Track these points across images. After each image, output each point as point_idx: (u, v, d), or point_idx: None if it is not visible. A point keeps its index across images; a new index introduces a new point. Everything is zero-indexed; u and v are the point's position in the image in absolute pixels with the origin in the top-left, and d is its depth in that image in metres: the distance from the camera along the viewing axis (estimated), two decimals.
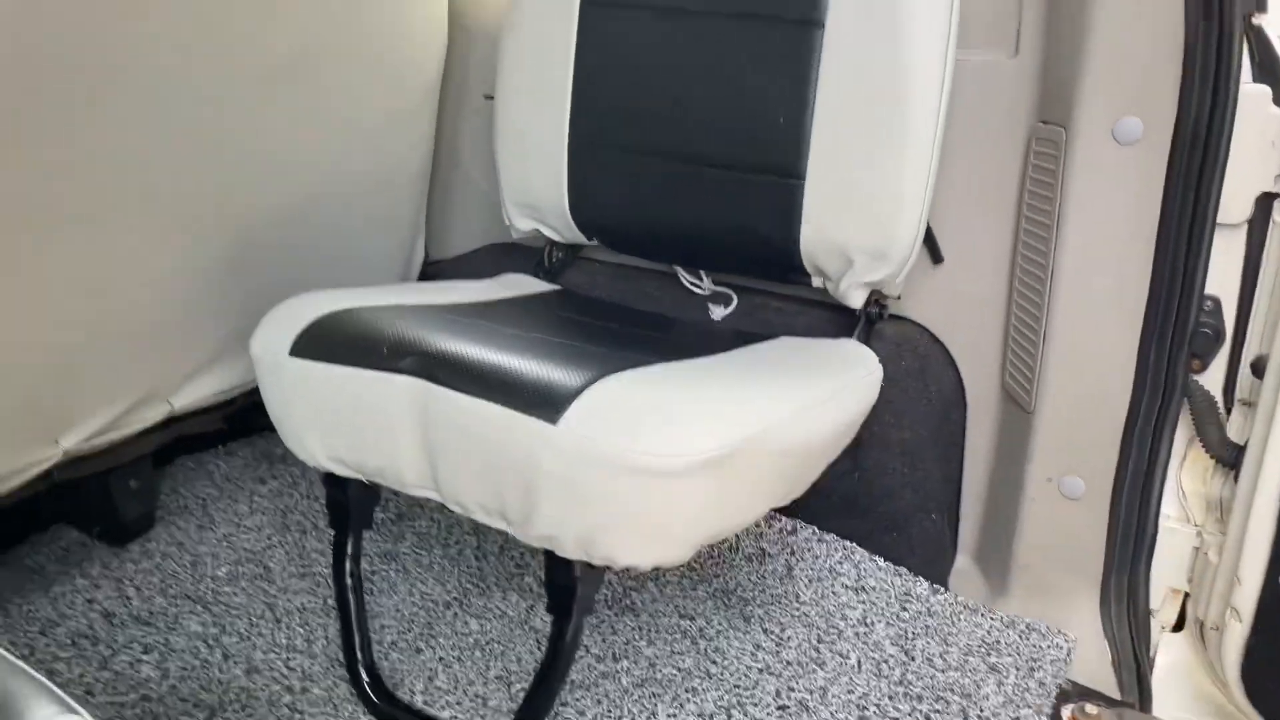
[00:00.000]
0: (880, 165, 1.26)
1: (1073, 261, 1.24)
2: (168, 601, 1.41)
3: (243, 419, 1.75)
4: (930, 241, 1.42)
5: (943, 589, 1.45)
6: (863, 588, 1.44)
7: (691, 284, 1.59)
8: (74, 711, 0.60)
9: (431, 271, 1.88)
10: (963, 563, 1.52)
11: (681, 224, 1.45)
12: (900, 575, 1.47)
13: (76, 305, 1.29)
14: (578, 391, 0.99)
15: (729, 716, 1.22)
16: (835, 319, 1.47)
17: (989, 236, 1.39)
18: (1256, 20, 1.13)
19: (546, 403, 0.98)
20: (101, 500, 1.53)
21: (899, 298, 1.44)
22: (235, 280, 1.49)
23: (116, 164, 1.25)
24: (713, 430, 0.97)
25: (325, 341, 1.14)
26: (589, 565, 1.05)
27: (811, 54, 1.29)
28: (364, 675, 1.25)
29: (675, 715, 1.23)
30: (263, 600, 1.42)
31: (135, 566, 1.49)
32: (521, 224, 1.58)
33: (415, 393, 1.06)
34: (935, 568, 1.50)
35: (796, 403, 1.09)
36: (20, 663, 0.63)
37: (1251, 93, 1.13)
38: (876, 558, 1.49)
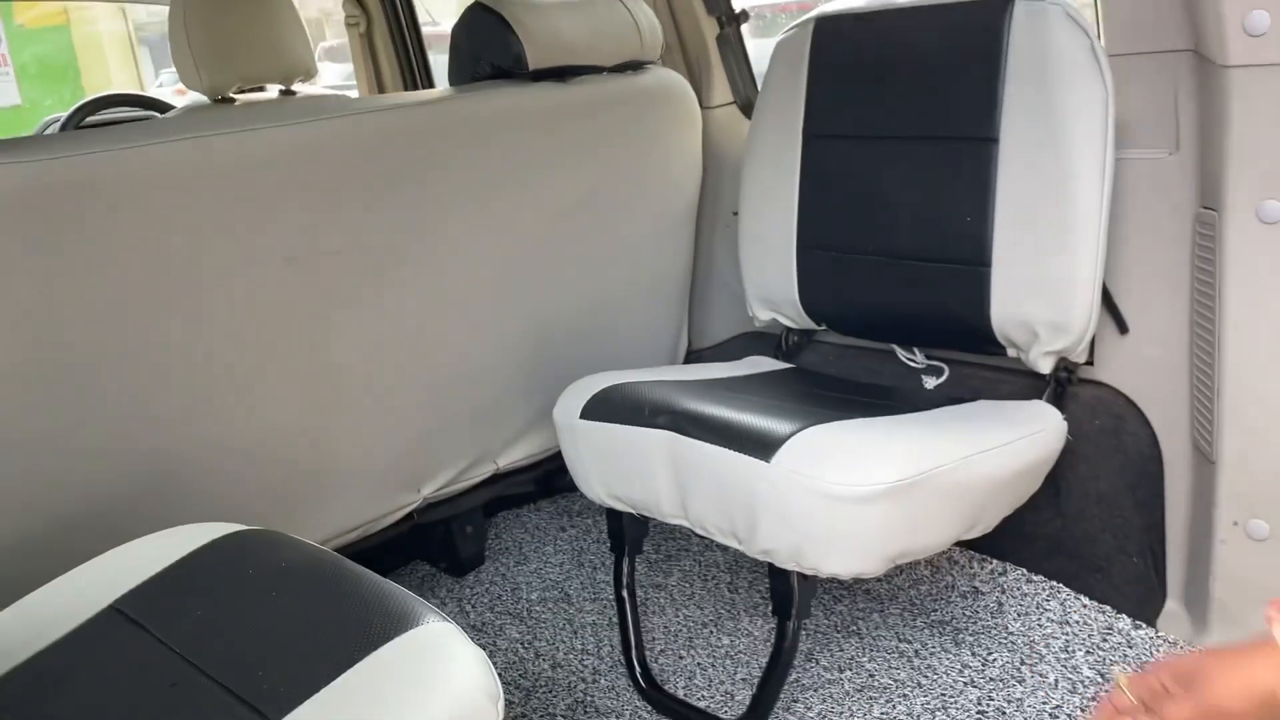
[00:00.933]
0: (1053, 253, 1.50)
1: (1234, 327, 1.41)
2: (495, 616, 1.84)
3: (547, 482, 2.19)
4: (1115, 314, 1.62)
5: (1145, 625, 1.60)
6: (1067, 621, 1.62)
7: (907, 359, 1.85)
8: (447, 621, 0.99)
9: (693, 358, 2.26)
10: (1172, 605, 1.65)
11: (894, 308, 1.73)
12: (1104, 612, 1.63)
13: (430, 394, 1.76)
14: (787, 437, 1.31)
15: (933, 717, 1.46)
16: (1033, 384, 1.69)
17: (1168, 307, 1.56)
18: None
19: (763, 446, 1.31)
20: (446, 541, 2.01)
21: (1091, 364, 1.64)
22: (540, 368, 1.93)
23: (448, 292, 1.71)
24: (892, 465, 1.25)
25: (605, 407, 1.53)
26: (802, 575, 1.35)
27: (990, 164, 1.56)
28: (639, 670, 1.60)
29: (888, 714, 1.48)
30: (563, 617, 1.82)
31: (471, 591, 1.94)
32: (762, 314, 1.92)
33: (668, 442, 1.42)
34: (1143, 609, 1.65)
35: (973, 447, 1.35)
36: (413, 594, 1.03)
37: None
38: (1082, 596, 1.66)
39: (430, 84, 2.97)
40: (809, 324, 1.88)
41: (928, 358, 1.83)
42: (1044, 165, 1.50)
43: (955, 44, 1.58)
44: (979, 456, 1.35)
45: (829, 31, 1.74)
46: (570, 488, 2.19)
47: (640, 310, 2.09)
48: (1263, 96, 1.32)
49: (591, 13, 1.85)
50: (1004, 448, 1.40)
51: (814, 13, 1.77)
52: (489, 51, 1.75)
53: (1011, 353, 1.64)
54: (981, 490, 1.37)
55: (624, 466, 1.49)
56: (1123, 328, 1.63)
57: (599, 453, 1.52)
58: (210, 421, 1.49)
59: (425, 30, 2.98)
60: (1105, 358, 1.65)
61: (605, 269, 1.97)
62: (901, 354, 1.86)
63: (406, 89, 2.91)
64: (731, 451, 1.33)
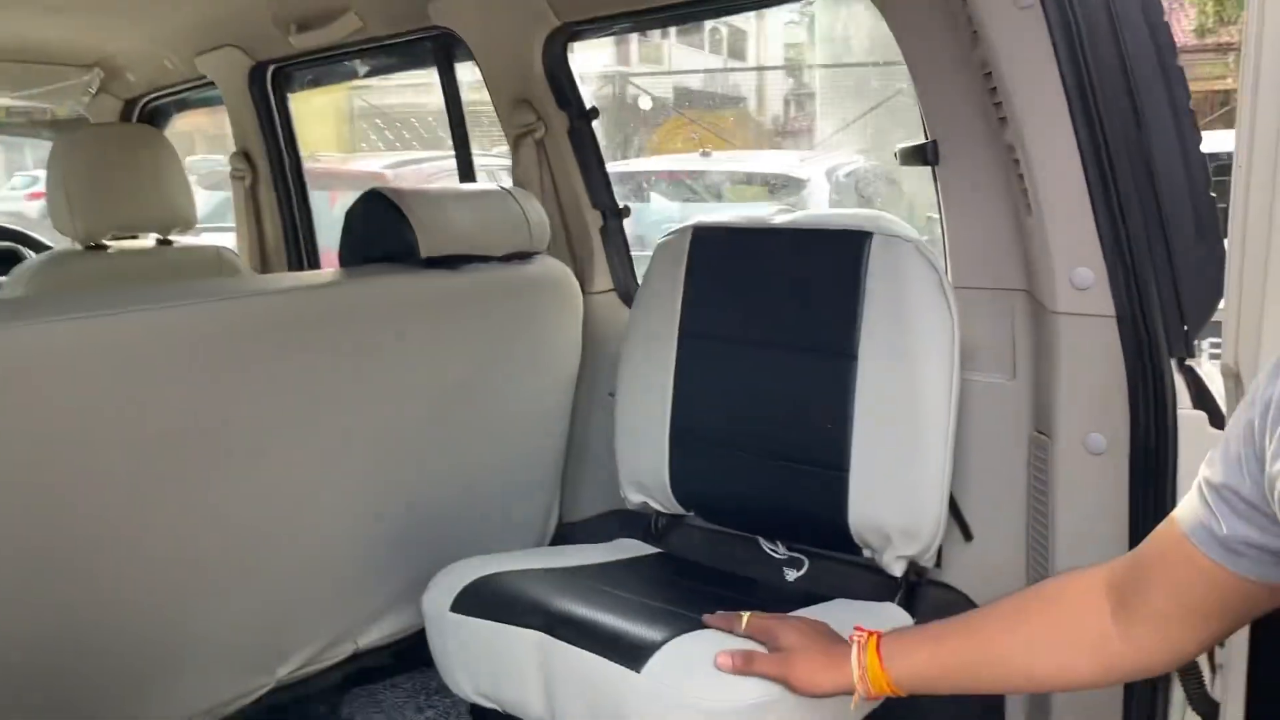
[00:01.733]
0: (905, 464, 1.61)
1: (1065, 541, 1.54)
2: None
3: (407, 656, 2.15)
4: (961, 522, 1.74)
5: None
6: None
7: (770, 550, 1.93)
8: None
9: (563, 531, 2.29)
10: None
11: (759, 502, 1.81)
12: None
13: (293, 573, 1.73)
14: (657, 646, 1.34)
15: None
16: (885, 583, 1.77)
17: (1007, 519, 1.69)
18: (1189, 362, 1.45)
19: (633, 655, 1.34)
20: None
21: (939, 567, 1.74)
22: (409, 544, 1.92)
23: (322, 471, 1.71)
24: (754, 685, 1.30)
25: (476, 600, 1.54)
26: None
27: (850, 378, 1.67)
28: None
29: None
30: None
31: None
32: (634, 497, 1.98)
33: (540, 644, 1.43)
34: None
35: None
36: None
37: (1190, 416, 1.43)
38: None
39: (313, 243, 2.98)
40: (678, 509, 1.94)
41: (789, 550, 1.91)
42: (898, 382, 1.63)
43: (820, 267, 1.72)
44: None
45: (706, 240, 1.86)
46: (429, 662, 2.15)
47: (513, 487, 2.11)
48: (1087, 342, 1.48)
49: (484, 206, 1.93)
50: None
51: (692, 222, 1.90)
52: (384, 239, 1.80)
53: (866, 553, 1.73)
54: (838, 705, 1.42)
55: (494, 664, 1.49)
56: (967, 535, 1.75)
57: (468, 649, 1.52)
58: (62, 601, 1.43)
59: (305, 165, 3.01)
60: (951, 562, 1.76)
61: (482, 448, 2.00)
62: (765, 545, 1.93)
63: (289, 252, 2.92)
64: (602, 658, 1.35)
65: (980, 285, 1.68)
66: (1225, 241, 1.34)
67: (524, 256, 1.99)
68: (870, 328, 1.65)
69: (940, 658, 1.17)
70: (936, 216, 1.79)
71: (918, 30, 1.64)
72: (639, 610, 1.50)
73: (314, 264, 2.99)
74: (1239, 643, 1.34)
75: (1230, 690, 1.36)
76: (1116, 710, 1.50)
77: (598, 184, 2.23)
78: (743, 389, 1.80)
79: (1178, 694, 1.48)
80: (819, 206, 5.94)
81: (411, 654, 2.10)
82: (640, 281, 2.01)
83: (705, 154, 6.86)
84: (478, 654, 1.51)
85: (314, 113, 3.00)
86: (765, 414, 1.77)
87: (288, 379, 1.60)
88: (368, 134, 11.38)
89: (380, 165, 7.05)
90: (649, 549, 1.95)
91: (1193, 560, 0.98)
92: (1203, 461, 1.00)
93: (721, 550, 1.98)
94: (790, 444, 1.74)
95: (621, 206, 2.25)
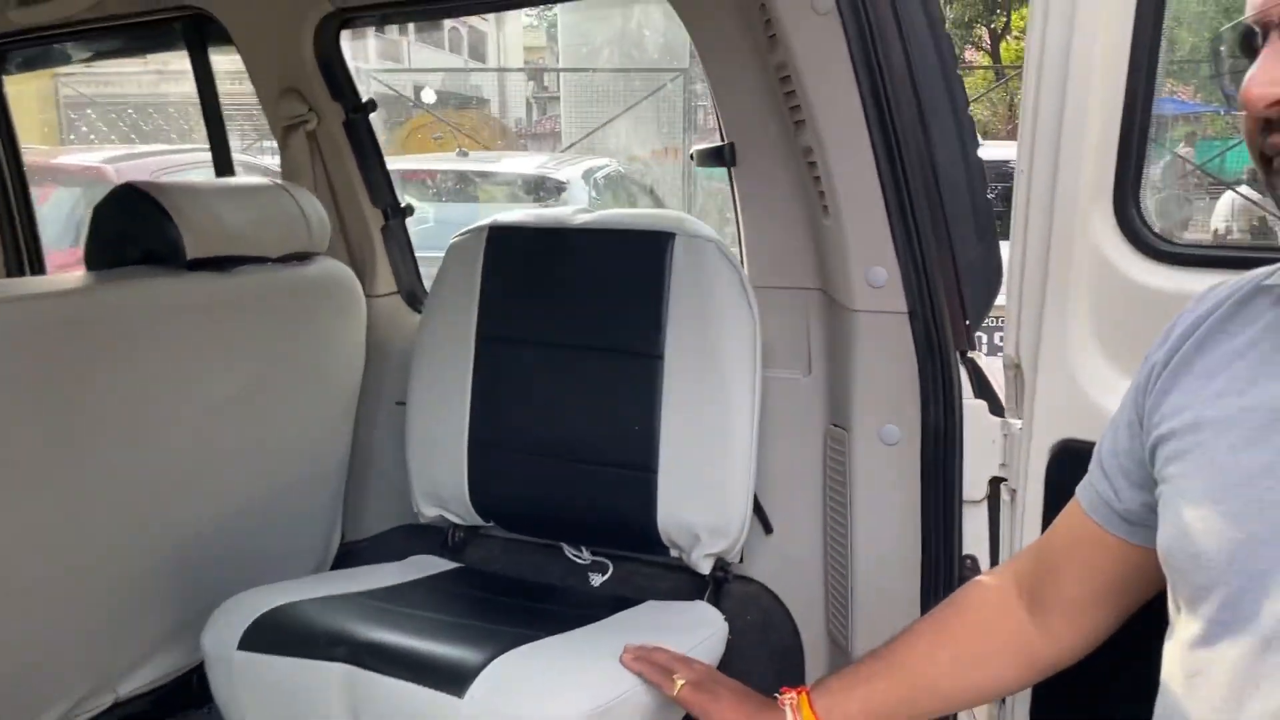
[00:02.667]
0: (712, 462, 1.62)
1: (863, 531, 1.60)
2: None
3: (176, 701, 1.94)
4: (762, 516, 1.77)
5: None
6: None
7: (574, 556, 1.89)
8: None
9: (347, 551, 2.14)
10: None
11: (565, 508, 1.77)
12: None
13: (35, 618, 1.51)
14: (479, 669, 1.27)
15: None
16: (692, 582, 1.78)
17: (806, 511, 1.74)
18: (971, 355, 1.55)
19: (454, 679, 1.26)
20: None
21: (742, 562, 1.77)
22: (174, 579, 1.72)
23: (81, 502, 1.51)
24: (587, 692, 1.26)
25: (268, 635, 1.40)
26: None
27: (656, 378, 1.67)
28: None
29: None
30: None
31: None
32: (428, 510, 1.88)
33: (346, 677, 1.32)
34: None
35: None
36: None
37: (974, 405, 1.53)
38: None
39: (37, 244, 2.64)
40: (477, 520, 1.87)
41: (594, 555, 1.88)
42: (703, 381, 1.63)
43: (624, 267, 1.70)
44: None
45: (504, 240, 1.80)
46: (202, 705, 1.95)
47: (293, 508, 1.95)
48: (882, 337, 1.54)
49: (257, 203, 1.77)
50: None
51: (488, 221, 1.83)
52: (142, 237, 1.61)
53: (674, 553, 1.73)
54: (663, 705, 1.40)
55: (293, 704, 1.36)
56: (768, 529, 1.78)
57: (261, 689, 1.38)
58: None
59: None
60: (753, 556, 1.79)
61: (257, 467, 1.83)
62: (569, 551, 1.89)
63: (6, 255, 2.56)
64: (420, 686, 1.26)
65: (777, 284, 1.72)
66: (1005, 244, 1.44)
67: (302, 258, 1.84)
68: (675, 328, 1.65)
69: (874, 702, 1.13)
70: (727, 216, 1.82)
71: (715, 33, 1.65)
72: (451, 631, 1.42)
73: (39, 268, 2.65)
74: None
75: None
76: None
77: (377, 180, 2.11)
78: (546, 393, 1.75)
79: None
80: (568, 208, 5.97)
81: (182, 699, 1.90)
82: (428, 284, 1.91)
83: (462, 154, 6.73)
84: (273, 694, 1.37)
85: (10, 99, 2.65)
86: (570, 417, 1.73)
87: (26, 401, 1.39)
88: (77, 125, 10.35)
89: (98, 159, 6.39)
90: (447, 564, 1.86)
91: (1098, 540, 1.01)
92: (1097, 442, 1.03)
93: (524, 560, 1.92)
94: (597, 447, 1.71)
95: (404, 204, 2.14)
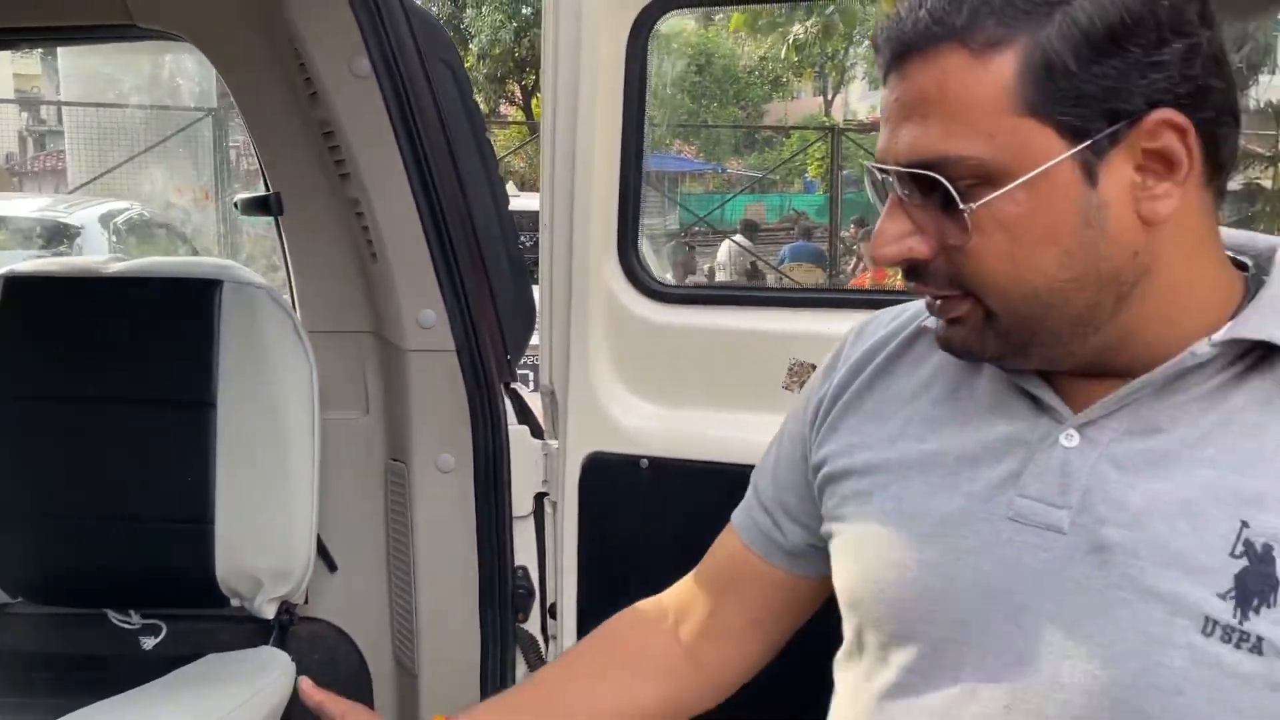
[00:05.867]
0: (273, 506, 1.65)
1: (426, 557, 1.71)
2: None
3: None
4: (325, 555, 1.81)
5: None
6: None
7: (121, 621, 1.78)
8: None
9: None
10: None
11: (109, 571, 1.68)
12: None
13: None
14: None
15: None
16: (255, 629, 1.77)
17: (369, 544, 1.81)
18: (513, 385, 1.73)
19: None
20: None
21: (307, 603, 1.79)
22: None
23: None
24: None
25: None
26: None
27: (209, 426, 1.65)
28: None
29: None
30: None
31: None
32: None
33: None
34: None
35: (204, 714, 1.39)
36: None
37: (518, 430, 1.71)
38: None
39: None
40: (2, 597, 1.70)
41: (144, 618, 1.79)
42: (260, 427, 1.65)
43: (167, 315, 1.67)
44: (225, 717, 1.39)
45: (21, 291, 1.67)
46: None
47: None
48: (433, 374, 1.66)
49: None
50: (245, 705, 1.46)
51: (2, 271, 1.69)
52: None
53: (235, 602, 1.71)
54: None
55: None
56: (332, 567, 1.83)
57: None
58: None
59: None
60: (319, 595, 1.83)
61: None
62: (114, 617, 1.78)
63: None
64: None
65: (331, 329, 1.78)
66: (536, 287, 1.64)
67: None
68: (227, 375, 1.65)
69: None
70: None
71: (254, 85, 1.69)
72: None
73: None
74: (569, 617, 1.64)
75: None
76: (475, 686, 1.71)
77: None
78: (86, 450, 1.65)
79: (522, 667, 1.75)
80: (98, 255, 5.46)
81: None
82: None
83: None
84: None
85: None
86: (110, 474, 1.65)
87: None
88: None
89: None
90: None
91: (757, 570, 0.99)
92: (753, 473, 1.03)
93: (63, 634, 1.78)
94: (144, 502, 1.65)
95: None
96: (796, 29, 11.79)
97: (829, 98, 22.44)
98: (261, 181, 1.77)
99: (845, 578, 0.88)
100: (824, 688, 0.94)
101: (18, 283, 1.67)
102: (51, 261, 1.75)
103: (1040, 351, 0.76)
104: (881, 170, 0.75)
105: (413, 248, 1.60)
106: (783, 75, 19.33)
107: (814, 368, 1.45)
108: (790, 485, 0.98)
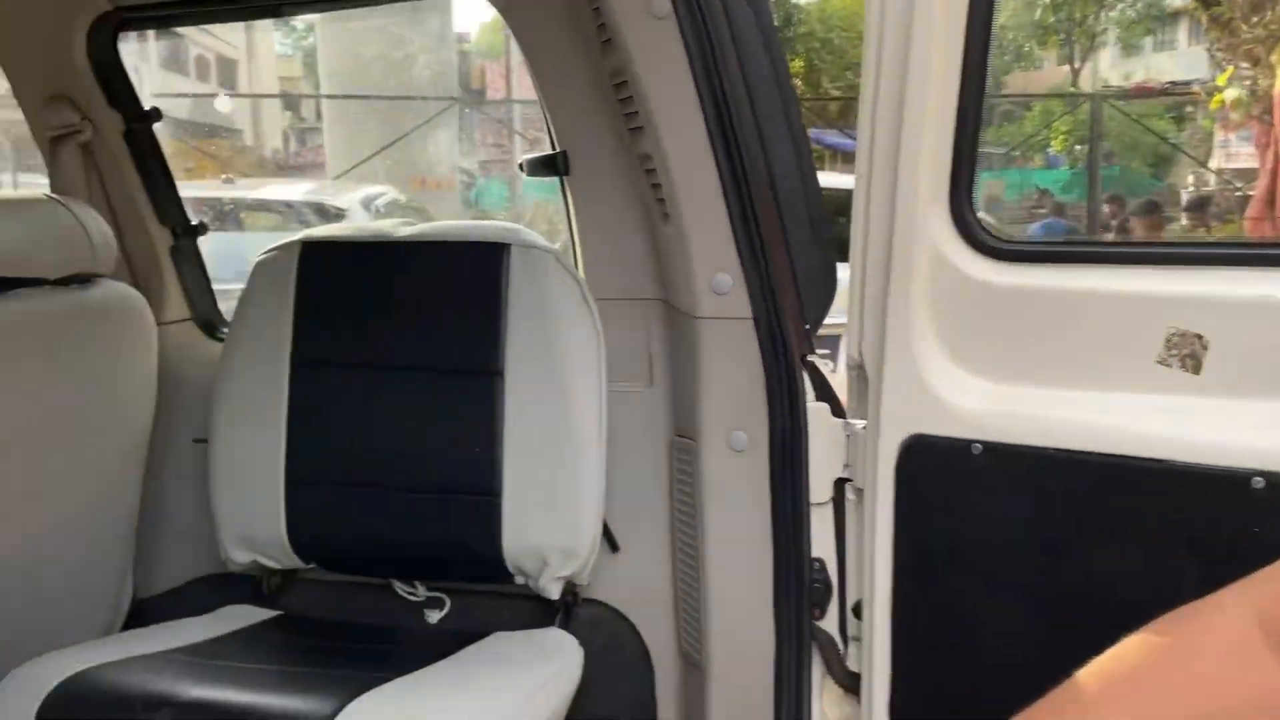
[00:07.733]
0: (561, 481, 1.56)
1: (715, 543, 1.58)
2: None
3: None
4: (608, 534, 1.72)
5: None
6: None
7: (407, 593, 1.77)
8: None
9: (140, 608, 1.91)
10: None
11: (396, 542, 1.66)
12: None
13: None
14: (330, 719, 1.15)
15: None
16: (538, 609, 1.70)
17: (652, 525, 1.71)
18: (810, 358, 1.57)
19: None
20: None
21: (589, 584, 1.71)
22: None
23: None
24: None
25: (75, 705, 1.21)
26: None
27: (497, 396, 1.59)
28: None
29: None
30: None
31: None
32: (240, 556, 1.71)
33: None
34: None
35: (509, 706, 1.31)
36: None
37: (816, 409, 1.55)
38: None
39: None
40: (296, 563, 1.71)
41: (429, 590, 1.77)
42: (547, 397, 1.57)
43: (456, 281, 1.62)
44: (522, 705, 1.32)
45: (318, 256, 1.67)
46: None
47: (76, 560, 1.72)
48: (728, 344, 1.53)
49: (27, 217, 1.56)
50: (541, 689, 1.38)
51: (300, 236, 1.70)
52: None
53: (519, 579, 1.65)
54: None
55: None
56: (614, 546, 1.74)
57: None
58: None
59: None
60: (599, 576, 1.74)
61: (32, 519, 1.60)
62: (401, 588, 1.77)
63: None
64: None
65: (616, 295, 1.68)
66: (850, 256, 1.46)
67: (83, 280, 1.63)
68: (515, 342, 1.58)
69: None
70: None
71: (544, 38, 1.61)
72: (285, 682, 1.28)
73: None
74: (880, 618, 1.46)
75: (873, 664, 1.47)
76: (768, 687, 1.57)
77: (165, 196, 1.91)
78: (375, 420, 1.63)
79: (819, 668, 1.59)
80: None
81: None
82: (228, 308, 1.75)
83: (228, 180, 6.33)
84: None
85: None
86: (402, 444, 1.62)
87: None
88: None
89: None
90: (264, 613, 1.70)
91: None
92: None
93: (350, 602, 1.78)
94: (433, 473, 1.61)
95: (197, 223, 1.95)
96: None
97: (1076, 66, 20.95)
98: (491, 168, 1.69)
99: None
100: None
101: (313, 247, 1.67)
102: (344, 226, 1.73)
103: None
104: None
105: (708, 207, 1.47)
106: (1024, 44, 18.17)
107: (1200, 338, 1.22)
108: None
